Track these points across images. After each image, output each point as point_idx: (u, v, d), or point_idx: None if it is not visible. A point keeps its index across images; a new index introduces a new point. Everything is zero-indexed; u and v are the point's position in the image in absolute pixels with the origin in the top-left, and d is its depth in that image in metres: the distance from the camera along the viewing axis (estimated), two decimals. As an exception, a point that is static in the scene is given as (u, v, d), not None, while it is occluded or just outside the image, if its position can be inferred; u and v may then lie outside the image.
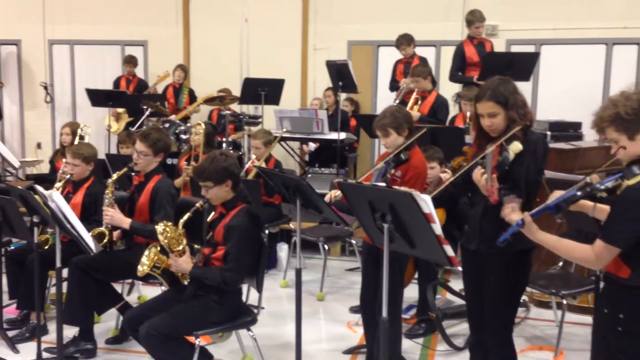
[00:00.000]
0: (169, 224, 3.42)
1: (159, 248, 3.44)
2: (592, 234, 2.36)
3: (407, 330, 4.37)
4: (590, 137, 6.36)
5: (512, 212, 2.48)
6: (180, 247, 3.40)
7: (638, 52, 7.65)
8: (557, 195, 2.42)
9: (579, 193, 2.30)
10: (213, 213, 3.62)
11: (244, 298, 3.64)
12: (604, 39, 7.70)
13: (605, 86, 7.72)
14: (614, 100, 2.29)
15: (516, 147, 2.83)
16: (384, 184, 3.12)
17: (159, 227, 3.38)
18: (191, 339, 3.37)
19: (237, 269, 3.32)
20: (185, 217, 3.41)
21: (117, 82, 8.83)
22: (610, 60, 7.76)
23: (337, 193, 3.40)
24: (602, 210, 2.40)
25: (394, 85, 7.04)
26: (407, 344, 4.18)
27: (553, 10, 7.73)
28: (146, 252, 3.47)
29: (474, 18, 6.71)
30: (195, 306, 3.34)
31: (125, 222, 3.91)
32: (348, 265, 5.92)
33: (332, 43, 8.53)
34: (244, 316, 3.48)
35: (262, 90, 7.13)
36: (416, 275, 4.58)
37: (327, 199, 3.41)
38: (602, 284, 2.50)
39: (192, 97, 8.48)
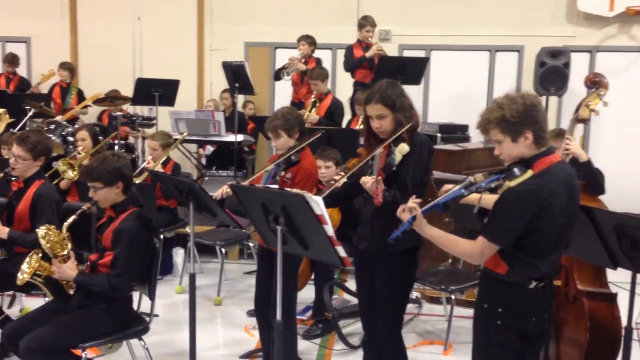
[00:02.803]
0: (52, 227, 3.24)
1: (40, 255, 3.24)
2: (477, 232, 2.47)
3: (305, 331, 4.40)
4: (476, 139, 6.70)
5: (404, 212, 2.53)
6: (65, 252, 3.22)
7: (518, 58, 8.15)
8: (445, 189, 2.51)
9: (465, 192, 2.39)
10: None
11: (135, 306, 3.50)
12: (488, 46, 8.14)
13: (489, 90, 8.16)
14: (500, 103, 2.39)
15: (403, 148, 2.92)
16: (276, 186, 3.12)
17: (41, 231, 3.19)
18: (77, 351, 3.20)
19: (125, 274, 3.18)
20: (71, 219, 3.24)
21: (-5, 81, 8.25)
22: (494, 66, 8.22)
23: (227, 190, 3.34)
24: (488, 200, 2.51)
25: (278, 75, 7.05)
26: (304, 345, 4.21)
27: (442, 18, 8.08)
28: (27, 259, 3.26)
29: (365, 22, 6.92)
30: (82, 316, 3.18)
31: (3, 231, 3.66)
32: (246, 268, 5.86)
33: (229, 44, 8.44)
34: (135, 325, 3.35)
35: (156, 91, 6.94)
36: (313, 276, 4.63)
37: (217, 195, 3.35)
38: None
39: (81, 98, 8.06)
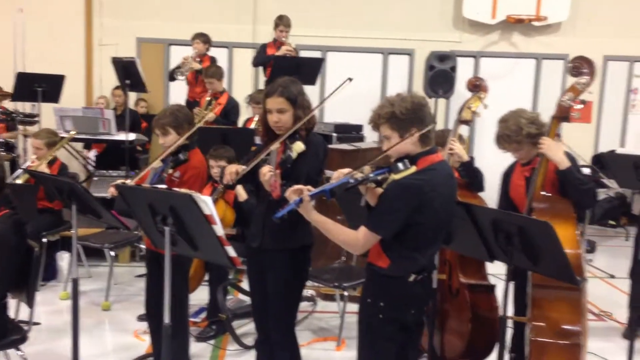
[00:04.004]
0: None
1: None
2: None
3: (198, 333, 4.33)
4: (370, 139, 6.88)
5: (293, 193, 2.52)
6: None
7: (409, 61, 8.46)
8: (337, 175, 2.53)
9: (352, 181, 2.46)
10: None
11: (13, 314, 3.29)
12: (381, 49, 8.39)
13: (383, 92, 8.41)
14: (391, 100, 2.49)
15: (299, 146, 2.94)
16: (164, 186, 3.04)
17: None
18: (-54, 366, 2.97)
19: None
20: None
21: None
22: (387, 68, 8.48)
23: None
24: (374, 194, 2.58)
25: (172, 76, 6.92)
26: (198, 347, 4.14)
27: (338, 20, 8.23)
28: None
29: (280, 22, 6.94)
30: (-50, 329, 2.94)
31: None
32: (138, 271, 5.66)
33: (120, 39, 8.12)
34: (11, 334, 3.13)
35: (39, 87, 6.56)
36: (207, 277, 4.56)
37: (109, 194, 3.23)
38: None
39: (-45, 93, 7.47)
